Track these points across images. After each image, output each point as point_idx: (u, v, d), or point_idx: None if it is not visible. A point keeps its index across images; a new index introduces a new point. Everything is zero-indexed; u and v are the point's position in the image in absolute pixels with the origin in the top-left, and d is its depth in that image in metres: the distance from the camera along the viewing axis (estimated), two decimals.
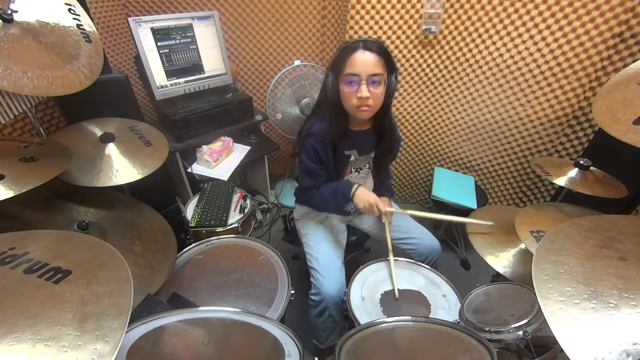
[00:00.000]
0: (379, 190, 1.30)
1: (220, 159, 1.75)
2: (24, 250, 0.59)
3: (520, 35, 1.52)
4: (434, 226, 2.08)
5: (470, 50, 1.66)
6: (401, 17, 1.67)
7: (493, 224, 1.12)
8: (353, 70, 0.94)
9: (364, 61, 0.93)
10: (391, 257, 1.15)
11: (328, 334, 1.26)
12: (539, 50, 1.52)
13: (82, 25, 1.04)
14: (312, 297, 1.17)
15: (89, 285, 0.54)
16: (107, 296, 0.53)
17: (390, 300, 1.05)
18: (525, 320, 0.79)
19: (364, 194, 1.11)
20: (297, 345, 0.71)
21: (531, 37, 1.51)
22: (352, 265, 1.22)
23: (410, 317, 0.75)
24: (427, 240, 1.28)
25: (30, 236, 0.66)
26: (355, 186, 1.13)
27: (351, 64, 0.94)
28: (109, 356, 0.44)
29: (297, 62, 1.89)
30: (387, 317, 0.81)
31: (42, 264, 0.56)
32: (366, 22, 1.68)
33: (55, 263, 0.57)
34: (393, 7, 1.63)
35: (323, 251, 1.20)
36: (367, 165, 1.24)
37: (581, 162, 1.20)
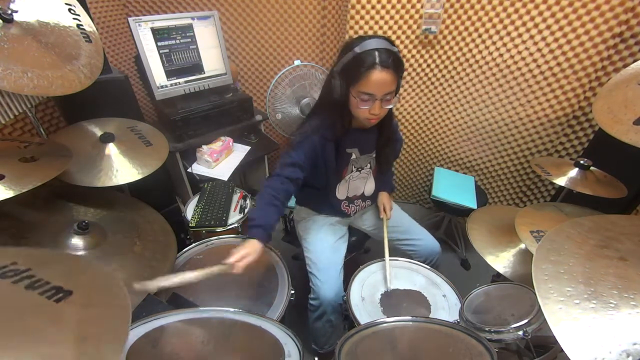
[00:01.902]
0: (380, 186, 1.32)
1: (220, 159, 1.75)
2: (27, 267, 0.58)
3: (520, 35, 1.52)
4: (434, 226, 2.08)
5: (470, 50, 1.66)
6: (401, 17, 1.67)
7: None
8: (369, 90, 0.93)
9: (382, 81, 0.91)
10: (387, 256, 1.15)
11: (327, 339, 1.26)
12: (539, 50, 1.52)
13: (82, 25, 1.04)
14: (311, 301, 1.17)
15: (88, 307, 0.53)
16: (105, 321, 0.52)
17: (390, 300, 1.05)
18: (525, 320, 0.79)
19: (250, 245, 0.95)
20: (297, 345, 0.71)
21: (531, 37, 1.51)
22: (352, 265, 1.21)
23: (410, 317, 0.75)
24: (428, 241, 1.29)
25: (33, 252, 0.64)
26: (259, 235, 0.97)
27: (368, 83, 0.91)
28: None
29: (297, 62, 1.89)
30: (387, 317, 0.81)
31: (44, 281, 0.55)
32: (366, 22, 1.68)
33: (57, 282, 0.56)
34: (393, 7, 1.63)
35: (322, 257, 1.20)
36: (369, 165, 1.24)
37: (581, 162, 1.20)
